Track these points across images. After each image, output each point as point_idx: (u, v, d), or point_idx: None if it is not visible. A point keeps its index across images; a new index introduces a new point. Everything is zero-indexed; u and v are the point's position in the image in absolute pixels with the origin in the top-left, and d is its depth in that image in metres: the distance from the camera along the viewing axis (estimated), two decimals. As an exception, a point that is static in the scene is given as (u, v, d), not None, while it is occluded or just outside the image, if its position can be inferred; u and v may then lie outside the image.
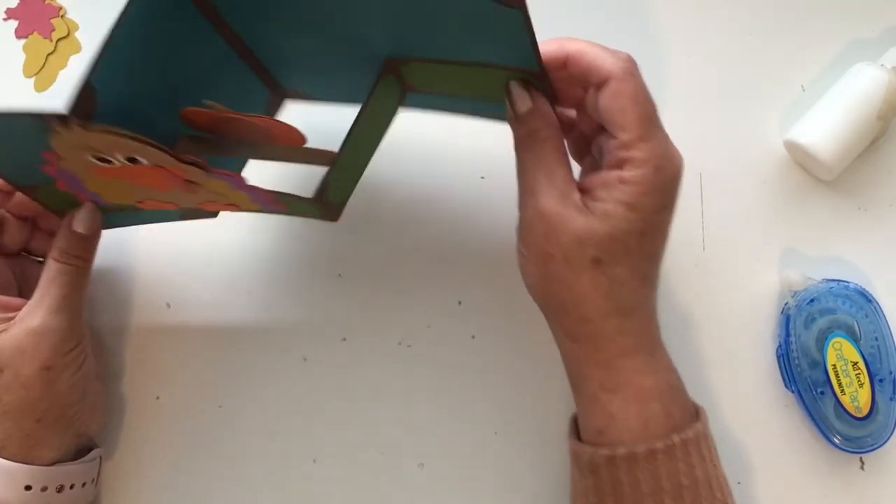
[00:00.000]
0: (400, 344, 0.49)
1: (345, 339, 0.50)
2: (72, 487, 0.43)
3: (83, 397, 0.44)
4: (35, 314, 0.41)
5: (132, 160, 0.38)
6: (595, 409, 0.40)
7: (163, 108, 0.40)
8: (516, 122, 0.41)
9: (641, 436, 0.38)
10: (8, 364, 0.41)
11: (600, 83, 0.38)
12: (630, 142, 0.38)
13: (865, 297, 0.47)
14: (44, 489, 0.42)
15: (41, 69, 0.53)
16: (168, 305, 0.50)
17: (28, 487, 0.41)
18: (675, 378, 0.41)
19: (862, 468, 0.48)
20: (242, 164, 0.48)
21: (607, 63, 0.38)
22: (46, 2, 0.53)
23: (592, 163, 0.42)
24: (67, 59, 0.53)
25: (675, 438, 0.38)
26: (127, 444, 0.49)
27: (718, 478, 0.39)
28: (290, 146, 0.41)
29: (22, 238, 0.46)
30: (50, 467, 0.42)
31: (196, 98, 0.41)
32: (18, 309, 0.42)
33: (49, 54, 0.52)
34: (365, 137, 0.41)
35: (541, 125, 0.40)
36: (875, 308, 0.47)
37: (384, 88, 0.42)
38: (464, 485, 0.48)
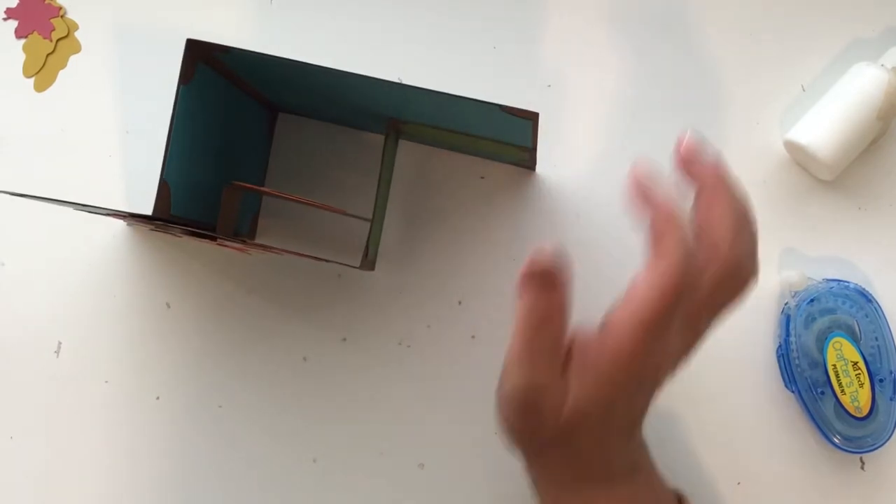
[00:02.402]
0: (400, 344, 0.49)
1: (345, 339, 0.50)
2: None
3: None
4: None
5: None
6: None
7: (206, 160, 0.44)
8: (518, 298, 0.37)
9: None
10: None
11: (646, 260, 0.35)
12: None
13: (865, 297, 0.47)
14: None
15: (41, 69, 0.53)
16: (168, 305, 0.50)
17: None
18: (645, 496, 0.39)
19: (862, 468, 0.48)
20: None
21: (656, 253, 0.35)
22: (46, 2, 0.53)
23: None
24: (67, 59, 0.53)
25: None
26: (127, 444, 0.49)
27: None
28: (335, 212, 0.45)
29: None
30: None
31: (226, 141, 0.46)
32: None
33: (49, 54, 0.52)
34: (384, 194, 0.45)
35: (534, 306, 0.36)
36: (875, 308, 0.47)
37: (391, 146, 0.45)
38: (464, 485, 0.48)
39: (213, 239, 0.42)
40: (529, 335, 0.36)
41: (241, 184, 0.44)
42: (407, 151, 0.50)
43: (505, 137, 0.43)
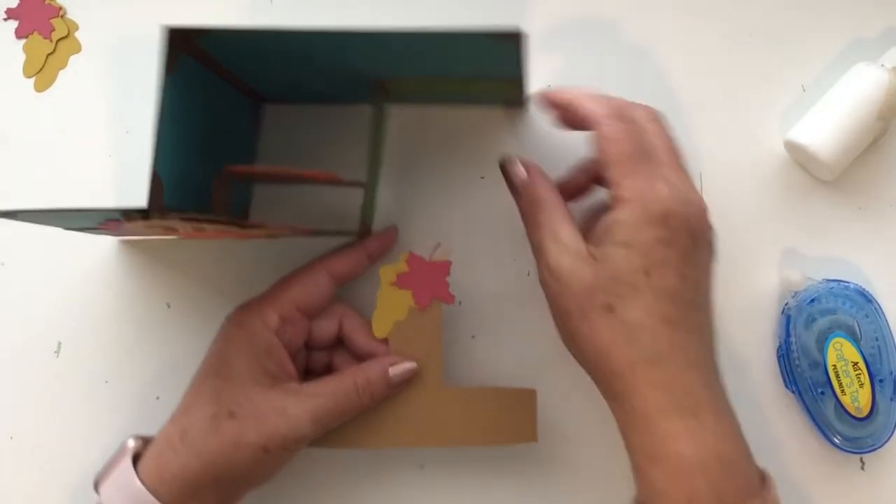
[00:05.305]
0: (400, 344, 0.49)
1: (345, 340, 0.50)
2: None
3: (256, 485, 0.43)
4: (298, 405, 0.42)
5: (198, 229, 0.42)
6: (644, 484, 0.37)
7: (195, 152, 0.44)
8: (515, 193, 0.43)
9: None
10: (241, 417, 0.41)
11: (594, 128, 0.40)
12: (616, 180, 0.39)
13: (865, 297, 0.47)
14: None
15: (41, 69, 0.53)
16: (168, 305, 0.50)
17: None
18: (731, 447, 0.37)
19: (862, 468, 0.48)
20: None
21: (594, 109, 0.40)
22: (46, 2, 0.53)
23: None
24: (67, 59, 0.53)
25: None
26: (127, 445, 0.49)
27: None
28: (328, 181, 0.45)
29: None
30: None
31: (213, 133, 0.45)
32: (290, 377, 0.43)
33: (49, 54, 0.52)
34: (376, 159, 0.45)
35: (538, 192, 0.42)
36: (875, 308, 0.47)
37: (378, 112, 0.45)
38: (464, 485, 0.48)
39: (211, 222, 0.42)
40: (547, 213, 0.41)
41: (232, 168, 0.44)
42: (407, 151, 0.50)
43: (493, 72, 0.42)
